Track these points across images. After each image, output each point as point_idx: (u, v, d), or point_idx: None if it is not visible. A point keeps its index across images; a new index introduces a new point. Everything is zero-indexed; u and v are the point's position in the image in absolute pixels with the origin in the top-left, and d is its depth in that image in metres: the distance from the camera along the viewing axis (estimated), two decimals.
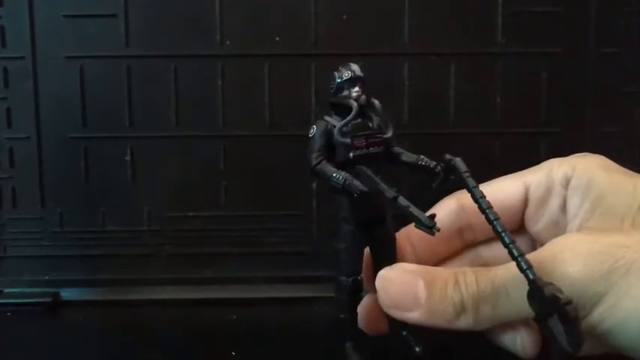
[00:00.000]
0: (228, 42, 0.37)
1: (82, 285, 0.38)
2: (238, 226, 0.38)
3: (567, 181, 0.26)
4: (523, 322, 0.25)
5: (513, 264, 0.22)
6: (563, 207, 0.26)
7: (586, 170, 0.26)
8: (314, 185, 0.38)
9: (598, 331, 0.22)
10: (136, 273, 0.38)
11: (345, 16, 0.37)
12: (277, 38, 0.37)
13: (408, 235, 0.28)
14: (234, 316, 0.36)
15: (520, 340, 0.25)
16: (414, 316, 0.23)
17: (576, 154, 0.27)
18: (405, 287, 0.23)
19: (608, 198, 0.24)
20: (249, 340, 0.33)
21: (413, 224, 0.24)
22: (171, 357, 0.31)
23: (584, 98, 0.38)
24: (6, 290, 0.38)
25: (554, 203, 0.27)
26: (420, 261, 0.27)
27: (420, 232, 0.26)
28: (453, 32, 0.37)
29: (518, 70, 0.37)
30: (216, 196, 0.38)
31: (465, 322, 0.23)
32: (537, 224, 0.27)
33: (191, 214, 0.38)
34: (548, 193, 0.27)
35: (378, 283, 0.24)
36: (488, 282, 0.22)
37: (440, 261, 0.29)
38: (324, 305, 0.37)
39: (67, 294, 0.38)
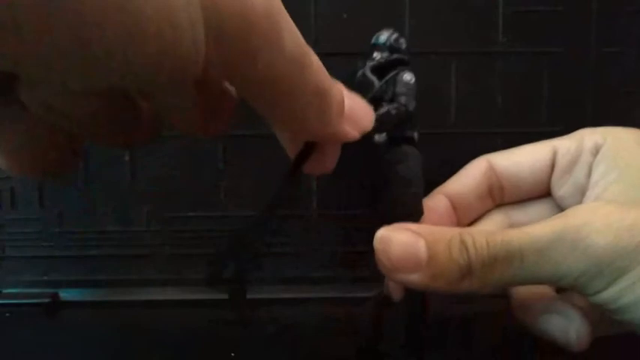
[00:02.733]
0: None
1: (81, 285, 0.38)
2: (238, 226, 0.38)
3: (597, 150, 0.26)
4: (578, 309, 0.24)
5: (531, 228, 0.22)
6: (589, 175, 0.26)
7: (618, 141, 0.25)
8: (314, 185, 0.38)
9: (615, 306, 0.21)
10: (136, 273, 0.38)
11: (345, 16, 0.37)
12: None
13: (447, 192, 0.28)
14: (234, 317, 0.36)
15: (575, 329, 0.23)
16: (415, 278, 0.22)
17: (611, 127, 0.26)
18: (405, 248, 0.22)
19: (636, 172, 0.24)
20: (249, 341, 0.33)
21: (451, 180, 0.28)
22: (170, 357, 0.31)
23: (584, 98, 0.38)
24: (5, 291, 0.38)
25: (581, 170, 0.26)
26: (458, 216, 0.27)
27: (459, 187, 0.28)
28: (454, 32, 0.37)
29: (518, 70, 0.37)
30: (216, 196, 0.38)
31: (469, 285, 0.22)
32: (562, 189, 0.27)
33: (191, 214, 0.38)
34: (575, 159, 0.26)
35: (375, 244, 0.23)
36: (502, 245, 0.21)
37: (474, 218, 0.29)
38: (324, 306, 0.37)
39: (66, 294, 0.38)
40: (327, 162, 0.21)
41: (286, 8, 0.39)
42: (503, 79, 0.37)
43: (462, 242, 0.22)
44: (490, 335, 0.34)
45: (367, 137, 0.25)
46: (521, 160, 0.28)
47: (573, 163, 0.26)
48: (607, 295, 0.21)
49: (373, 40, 0.28)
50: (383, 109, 0.25)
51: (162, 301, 0.37)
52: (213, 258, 0.22)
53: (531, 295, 0.25)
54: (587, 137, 0.26)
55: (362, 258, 0.37)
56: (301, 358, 0.32)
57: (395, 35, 0.27)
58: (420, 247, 0.22)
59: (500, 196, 0.28)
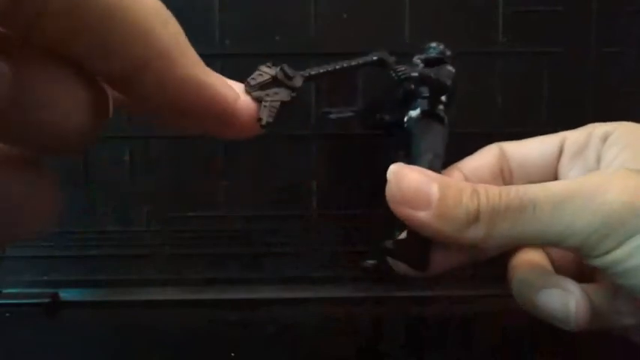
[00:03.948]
0: (227, 41, 0.37)
1: (81, 285, 0.38)
2: (238, 226, 0.38)
3: (606, 137, 0.26)
4: (582, 287, 0.23)
5: (548, 183, 0.22)
6: (599, 160, 0.26)
7: (628, 129, 0.26)
8: (314, 185, 0.38)
9: (622, 268, 0.21)
10: (136, 274, 0.38)
11: (345, 16, 0.37)
12: (277, 37, 0.37)
13: (461, 168, 0.28)
14: (234, 317, 0.36)
15: (575, 304, 0.23)
16: (422, 216, 0.22)
17: (620, 122, 0.27)
18: (417, 184, 0.22)
19: None
20: (249, 341, 0.33)
21: (466, 158, 0.29)
22: (170, 357, 0.31)
23: (584, 98, 0.38)
24: (5, 291, 0.38)
25: (590, 155, 0.26)
26: None
27: (473, 164, 0.29)
28: (454, 32, 0.37)
29: (518, 70, 0.37)
30: (216, 196, 0.38)
31: (474, 234, 0.22)
32: (570, 174, 0.27)
33: (191, 214, 0.38)
34: (584, 145, 0.27)
35: (389, 175, 0.23)
36: (515, 195, 0.21)
37: None
38: (324, 306, 0.37)
39: (66, 294, 0.38)
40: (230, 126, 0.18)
41: (286, 8, 0.40)
42: (503, 79, 0.37)
43: (474, 190, 0.22)
44: (490, 335, 0.34)
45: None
46: (531, 145, 0.29)
47: (582, 149, 0.27)
48: (615, 255, 0.21)
49: (423, 47, 0.32)
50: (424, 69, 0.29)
51: (162, 301, 0.37)
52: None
53: (531, 273, 0.25)
54: (597, 128, 0.27)
55: (362, 258, 0.38)
56: (301, 358, 0.32)
57: (442, 46, 0.31)
58: (433, 186, 0.22)
59: (510, 181, 0.29)
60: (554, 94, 0.37)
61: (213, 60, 0.37)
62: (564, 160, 0.28)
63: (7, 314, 0.36)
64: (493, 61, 0.37)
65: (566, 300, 0.23)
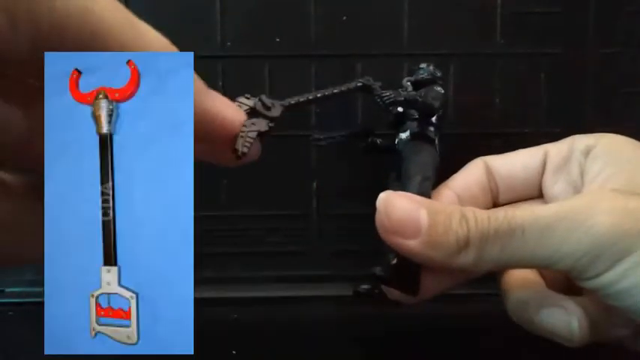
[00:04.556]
0: (229, 43, 0.37)
1: None
2: (238, 226, 0.38)
3: (588, 151, 0.26)
4: (577, 303, 0.24)
5: (535, 207, 0.22)
6: (582, 174, 0.26)
7: (610, 142, 0.26)
8: (314, 185, 0.38)
9: (613, 290, 0.21)
10: None
11: (345, 17, 0.37)
12: (277, 39, 0.37)
13: (451, 186, 0.28)
14: (235, 316, 0.36)
15: (577, 323, 0.23)
16: (412, 245, 0.22)
17: (601, 133, 0.27)
18: (406, 213, 0.22)
19: (633, 167, 0.24)
20: (250, 340, 0.33)
21: (454, 176, 0.29)
22: (170, 357, 0.31)
23: (584, 98, 0.38)
24: (7, 290, 0.38)
25: (573, 169, 0.27)
26: None
27: (463, 182, 0.29)
28: (452, 32, 0.37)
29: (517, 71, 0.37)
30: (217, 196, 0.38)
31: (465, 260, 0.22)
32: (554, 188, 0.27)
33: None
34: (567, 159, 0.27)
35: (378, 204, 0.23)
36: (504, 219, 0.21)
37: None
38: (324, 305, 0.37)
39: None
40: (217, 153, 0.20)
41: (286, 11, 0.40)
42: (503, 80, 0.37)
43: (463, 216, 0.22)
44: (490, 335, 0.34)
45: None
46: (514, 159, 0.29)
47: (564, 162, 0.27)
48: (606, 278, 0.21)
49: (415, 68, 0.32)
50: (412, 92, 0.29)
51: None
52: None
53: (527, 291, 0.25)
54: (578, 140, 0.27)
55: (362, 258, 0.38)
56: (301, 358, 0.32)
57: (432, 67, 0.31)
58: (421, 214, 0.22)
59: (495, 197, 0.29)
60: (553, 95, 0.37)
61: (215, 62, 0.37)
62: (548, 174, 0.28)
63: (10, 312, 0.36)
64: (492, 63, 0.37)
65: (569, 319, 0.23)
